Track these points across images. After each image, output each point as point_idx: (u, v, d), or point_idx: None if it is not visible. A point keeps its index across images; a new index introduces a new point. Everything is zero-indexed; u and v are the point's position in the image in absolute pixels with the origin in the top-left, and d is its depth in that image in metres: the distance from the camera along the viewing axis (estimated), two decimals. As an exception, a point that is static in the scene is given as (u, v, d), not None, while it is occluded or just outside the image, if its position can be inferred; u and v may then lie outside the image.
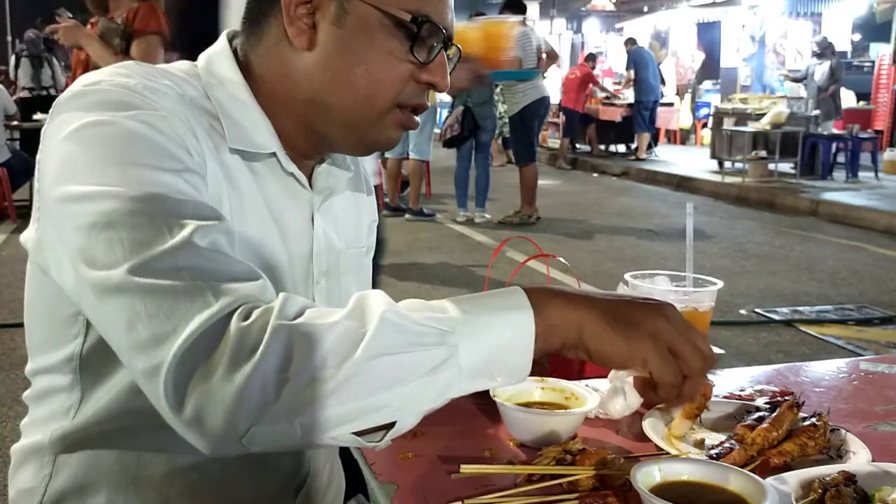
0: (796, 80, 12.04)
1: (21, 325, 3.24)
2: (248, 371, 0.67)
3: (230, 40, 0.99)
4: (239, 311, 0.71)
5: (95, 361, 0.90)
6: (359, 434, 0.72)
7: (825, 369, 1.36)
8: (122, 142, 0.80)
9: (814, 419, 0.99)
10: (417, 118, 0.99)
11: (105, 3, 3.50)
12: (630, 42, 12.95)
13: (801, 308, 4.83)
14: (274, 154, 0.96)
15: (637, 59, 12.45)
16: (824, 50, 11.03)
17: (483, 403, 1.05)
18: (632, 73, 12.45)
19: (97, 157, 0.78)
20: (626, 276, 1.13)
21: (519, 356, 0.76)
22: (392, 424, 0.73)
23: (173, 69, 0.95)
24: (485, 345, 0.74)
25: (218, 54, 0.97)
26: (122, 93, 0.83)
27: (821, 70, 10.85)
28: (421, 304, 0.76)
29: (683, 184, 10.45)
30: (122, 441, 0.93)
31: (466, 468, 0.90)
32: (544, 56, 7.47)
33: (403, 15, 0.90)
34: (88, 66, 3.46)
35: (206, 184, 0.86)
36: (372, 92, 0.92)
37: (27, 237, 0.91)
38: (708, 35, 15.77)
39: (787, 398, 1.06)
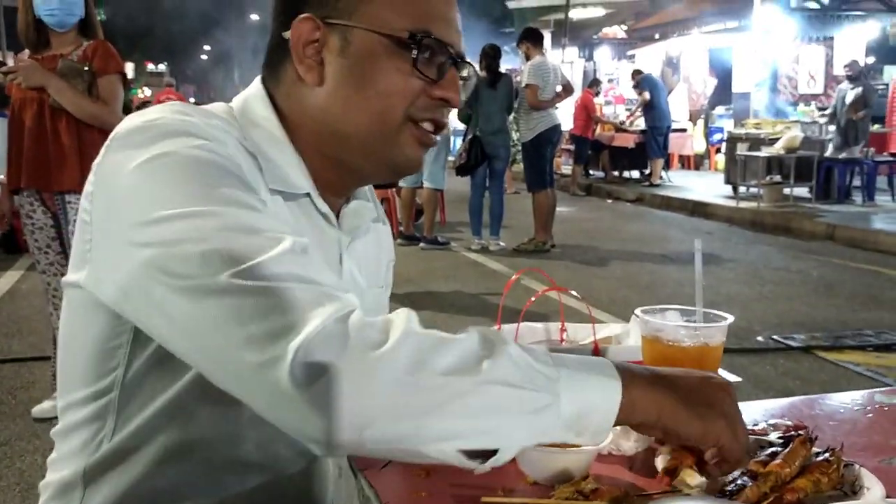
0: (823, 110, 11.95)
1: (40, 359, 3.25)
2: (378, 366, 0.71)
3: (264, 83, 1.02)
4: (356, 312, 0.75)
5: (126, 395, 0.92)
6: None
7: (840, 401, 1.35)
8: (198, 167, 0.83)
9: (827, 454, 0.99)
10: (437, 137, 1.01)
11: (46, 39, 3.29)
12: (637, 73, 13.00)
13: (818, 334, 4.80)
14: (308, 194, 0.98)
15: (651, 84, 12.48)
16: (858, 74, 10.81)
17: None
18: (647, 94, 12.42)
19: (175, 181, 0.81)
20: (637, 311, 1.13)
21: (604, 419, 0.80)
22: (494, 452, 0.76)
23: (216, 109, 0.98)
24: (582, 400, 0.78)
25: (254, 96, 1.00)
26: (184, 124, 0.86)
27: (853, 94, 10.60)
28: (527, 349, 0.80)
29: (698, 209, 10.44)
30: (151, 474, 0.94)
31: (479, 507, 0.91)
32: (559, 88, 7.50)
33: (402, 34, 0.93)
34: (44, 104, 3.21)
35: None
36: (383, 107, 0.94)
37: (76, 278, 0.90)
38: (720, 61, 15.81)
39: (800, 432, 1.06)
